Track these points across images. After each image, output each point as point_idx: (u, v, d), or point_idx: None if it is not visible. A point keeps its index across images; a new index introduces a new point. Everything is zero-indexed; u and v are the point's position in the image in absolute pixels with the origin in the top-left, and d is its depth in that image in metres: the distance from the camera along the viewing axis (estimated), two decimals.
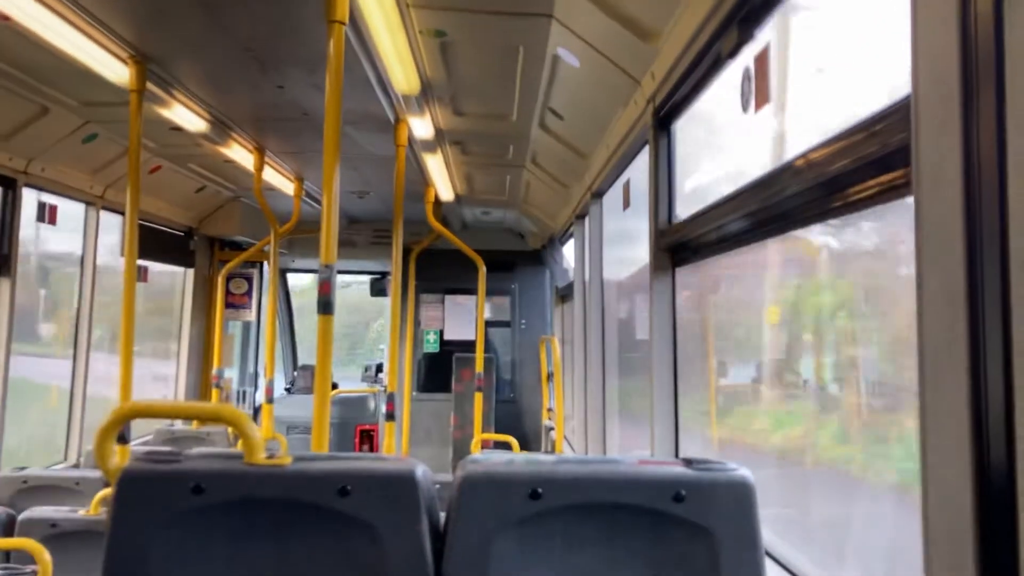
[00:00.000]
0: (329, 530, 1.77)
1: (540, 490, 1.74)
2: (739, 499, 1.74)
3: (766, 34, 2.29)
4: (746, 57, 2.39)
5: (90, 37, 3.65)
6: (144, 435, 6.77)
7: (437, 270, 9.21)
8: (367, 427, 9.17)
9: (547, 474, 1.76)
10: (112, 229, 6.64)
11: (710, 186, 3.27)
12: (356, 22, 3.31)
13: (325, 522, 1.77)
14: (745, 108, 2.41)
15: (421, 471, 1.82)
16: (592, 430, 5.84)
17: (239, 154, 5.90)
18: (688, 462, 1.81)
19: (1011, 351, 1.09)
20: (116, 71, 4.01)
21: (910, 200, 1.32)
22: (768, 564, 1.85)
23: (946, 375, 1.20)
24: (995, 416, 1.12)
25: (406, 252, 7.28)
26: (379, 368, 10.66)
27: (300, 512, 1.77)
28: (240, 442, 1.82)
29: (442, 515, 1.87)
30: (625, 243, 5.46)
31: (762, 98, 2.29)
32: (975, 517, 1.14)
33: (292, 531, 1.78)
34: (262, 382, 8.05)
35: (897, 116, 1.47)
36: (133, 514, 1.74)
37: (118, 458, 3.95)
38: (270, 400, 6.87)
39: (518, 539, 1.75)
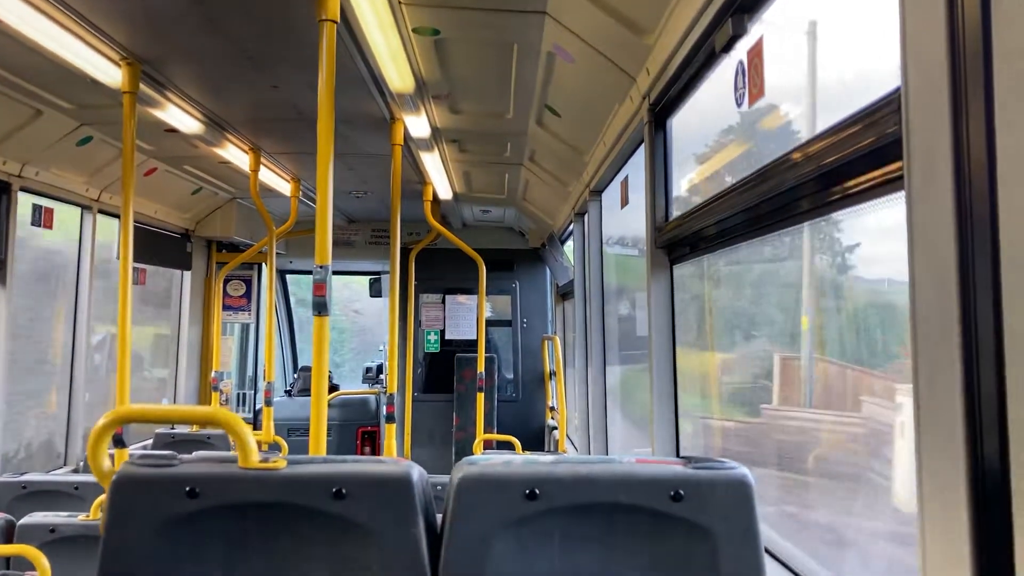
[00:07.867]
0: (324, 533, 1.76)
1: (537, 490, 1.73)
2: (738, 497, 1.72)
3: (759, 28, 2.27)
4: (740, 51, 2.37)
5: (80, 39, 3.62)
6: (145, 439, 6.75)
7: (437, 269, 9.16)
8: (369, 429, 9.14)
9: (544, 474, 1.75)
10: (109, 231, 6.63)
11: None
12: (347, 20, 3.30)
13: (320, 525, 1.75)
14: (739, 103, 2.39)
15: (417, 472, 1.80)
16: (594, 429, 5.82)
17: (235, 155, 5.88)
18: (687, 460, 1.79)
19: (1003, 343, 1.09)
20: (108, 73, 3.98)
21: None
22: (768, 562, 1.83)
23: (939, 366, 1.19)
24: (988, 407, 1.11)
25: (405, 252, 7.25)
26: (380, 369, 10.62)
27: (295, 515, 1.76)
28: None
29: (440, 517, 1.85)
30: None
31: (756, 92, 2.27)
32: (970, 514, 1.13)
33: (287, 535, 1.77)
34: (262, 384, 8.03)
35: (890, 108, 1.45)
36: (127, 518, 1.72)
37: (115, 462, 3.95)
38: (269, 403, 6.85)
39: (516, 540, 1.73)
